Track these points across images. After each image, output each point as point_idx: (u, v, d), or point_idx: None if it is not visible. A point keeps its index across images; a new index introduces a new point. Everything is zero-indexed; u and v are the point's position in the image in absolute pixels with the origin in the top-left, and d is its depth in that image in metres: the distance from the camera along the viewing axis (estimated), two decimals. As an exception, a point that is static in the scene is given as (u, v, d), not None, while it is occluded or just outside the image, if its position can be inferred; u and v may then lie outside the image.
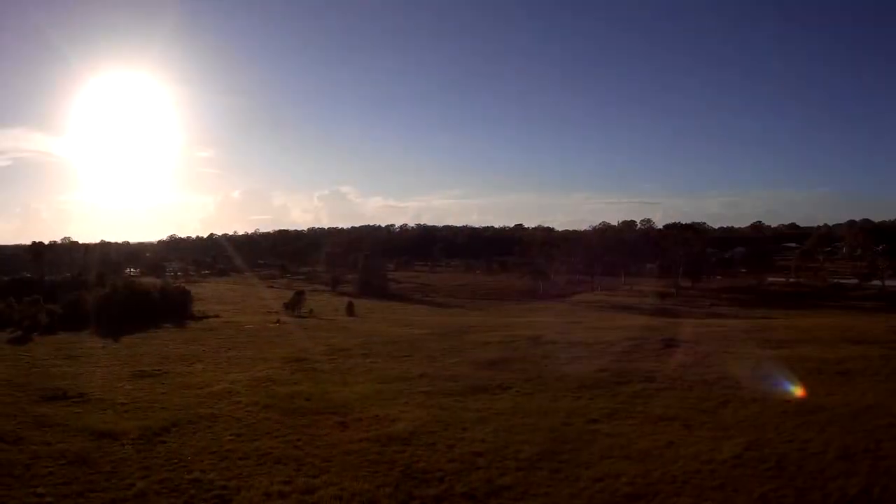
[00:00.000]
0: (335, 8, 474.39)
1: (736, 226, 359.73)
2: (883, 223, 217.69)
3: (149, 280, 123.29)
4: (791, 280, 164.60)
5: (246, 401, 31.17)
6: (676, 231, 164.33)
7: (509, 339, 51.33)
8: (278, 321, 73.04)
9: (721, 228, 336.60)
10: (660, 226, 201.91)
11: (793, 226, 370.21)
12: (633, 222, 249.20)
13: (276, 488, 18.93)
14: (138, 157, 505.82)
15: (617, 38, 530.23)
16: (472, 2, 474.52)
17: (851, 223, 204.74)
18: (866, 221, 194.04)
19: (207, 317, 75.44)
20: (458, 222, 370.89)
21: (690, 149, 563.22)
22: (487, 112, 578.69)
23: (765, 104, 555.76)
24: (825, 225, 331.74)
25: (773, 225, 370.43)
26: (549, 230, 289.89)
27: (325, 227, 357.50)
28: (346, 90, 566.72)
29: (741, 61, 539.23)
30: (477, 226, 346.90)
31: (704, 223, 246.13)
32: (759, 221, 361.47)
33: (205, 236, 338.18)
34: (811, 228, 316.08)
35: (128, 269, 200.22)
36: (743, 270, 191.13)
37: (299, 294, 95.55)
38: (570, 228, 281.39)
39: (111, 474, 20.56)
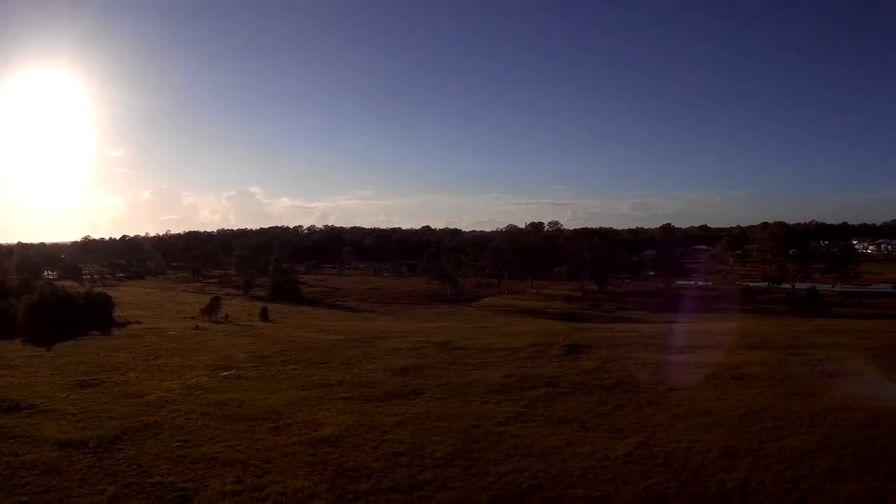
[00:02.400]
0: (244, 9, 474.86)
1: (646, 227, 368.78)
2: (798, 225, 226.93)
3: (68, 284, 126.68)
4: (700, 283, 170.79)
5: (183, 409, 33.54)
6: (584, 236, 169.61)
7: (420, 346, 54.93)
8: (197, 327, 76.36)
9: (631, 230, 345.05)
10: (568, 227, 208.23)
11: (704, 227, 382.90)
12: (540, 224, 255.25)
13: (230, 488, 21.54)
14: (49, 156, 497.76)
15: (526, 40, 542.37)
16: (375, 2, 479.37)
17: (764, 225, 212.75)
18: (779, 224, 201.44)
19: (129, 323, 78.31)
20: (365, 223, 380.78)
21: (601, 150, 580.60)
22: (395, 112, 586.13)
23: (676, 106, 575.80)
24: (738, 227, 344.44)
25: (685, 227, 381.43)
26: (457, 232, 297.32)
27: (234, 229, 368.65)
28: (255, 90, 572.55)
29: (651, 63, 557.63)
30: (385, 227, 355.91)
31: (612, 227, 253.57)
32: (670, 223, 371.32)
33: (118, 237, 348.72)
34: (723, 230, 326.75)
35: (46, 272, 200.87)
36: (651, 274, 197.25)
37: (216, 300, 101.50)
38: (478, 229, 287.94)
39: (82, 481, 22.79)
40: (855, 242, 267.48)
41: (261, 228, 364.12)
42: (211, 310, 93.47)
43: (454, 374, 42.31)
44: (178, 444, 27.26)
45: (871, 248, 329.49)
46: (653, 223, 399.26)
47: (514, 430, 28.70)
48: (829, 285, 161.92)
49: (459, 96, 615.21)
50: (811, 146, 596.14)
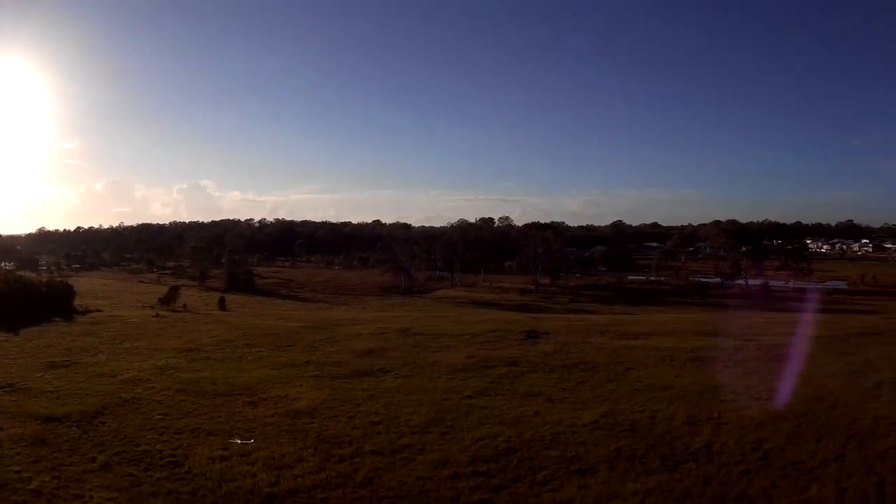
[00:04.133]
0: (197, 3, 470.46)
1: (596, 224, 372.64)
2: (750, 224, 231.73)
3: (27, 274, 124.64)
4: (651, 278, 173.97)
5: (159, 386, 34.00)
6: (536, 230, 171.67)
7: (380, 332, 55.80)
8: (158, 315, 76.75)
9: (581, 227, 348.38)
10: (518, 224, 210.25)
11: (655, 225, 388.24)
12: (491, 220, 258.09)
13: (218, 454, 22.33)
14: (2, 147, 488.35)
15: (477, 35, 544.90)
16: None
17: (716, 223, 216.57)
18: (732, 222, 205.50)
19: (90, 311, 76.87)
20: (316, 217, 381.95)
21: (551, 147, 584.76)
22: (345, 107, 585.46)
23: (626, 104, 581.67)
24: (689, 225, 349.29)
25: (635, 224, 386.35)
26: (407, 226, 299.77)
27: (186, 221, 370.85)
28: (207, 83, 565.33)
29: (603, 61, 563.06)
30: (335, 221, 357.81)
31: (564, 222, 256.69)
32: (621, 220, 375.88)
33: (72, 229, 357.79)
34: (675, 228, 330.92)
35: (2, 263, 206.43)
36: (603, 269, 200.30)
37: (174, 289, 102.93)
38: (428, 225, 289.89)
39: (72, 451, 23.20)
40: (809, 242, 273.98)
41: (213, 221, 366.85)
42: (170, 299, 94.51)
43: (417, 356, 43.47)
44: (160, 416, 27.89)
45: (825, 247, 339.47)
46: (603, 221, 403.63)
47: (483, 403, 30.03)
48: (783, 282, 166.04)
49: (407, 91, 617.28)
50: (766, 147, 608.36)
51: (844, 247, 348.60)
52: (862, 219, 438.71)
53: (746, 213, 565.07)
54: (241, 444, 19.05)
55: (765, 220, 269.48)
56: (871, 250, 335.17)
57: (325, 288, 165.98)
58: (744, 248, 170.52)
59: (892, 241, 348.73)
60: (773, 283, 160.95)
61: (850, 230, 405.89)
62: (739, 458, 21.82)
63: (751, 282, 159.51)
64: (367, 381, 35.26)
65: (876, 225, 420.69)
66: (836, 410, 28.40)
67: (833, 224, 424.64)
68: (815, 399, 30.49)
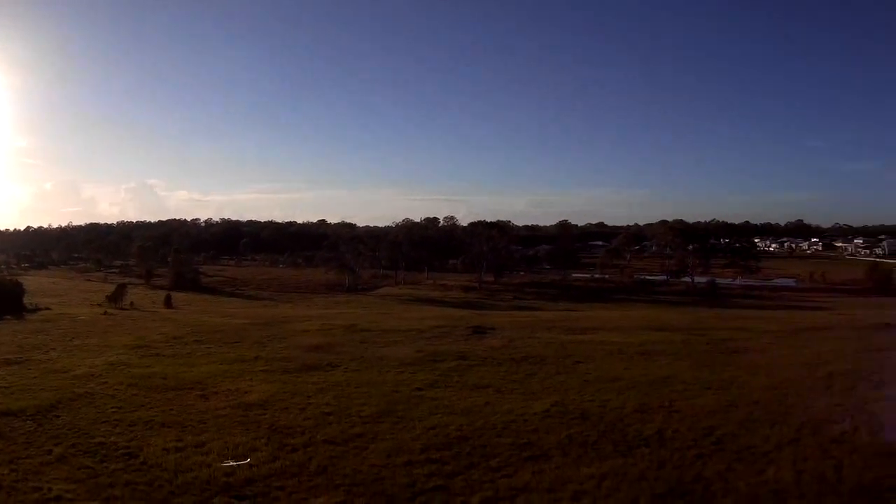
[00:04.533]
0: (146, 2, 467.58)
1: (542, 224, 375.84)
2: (698, 223, 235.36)
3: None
4: (597, 276, 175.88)
5: (111, 381, 33.79)
6: (482, 228, 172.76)
7: (326, 328, 56.53)
8: (106, 313, 78.07)
9: (527, 227, 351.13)
10: (464, 223, 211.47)
11: (601, 224, 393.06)
12: (436, 219, 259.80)
13: (172, 444, 22.16)
14: None
15: (425, 33, 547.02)
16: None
17: (663, 222, 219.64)
18: (679, 221, 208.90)
19: (40, 309, 78.73)
20: (261, 217, 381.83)
21: (497, 147, 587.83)
22: (290, 107, 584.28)
23: (573, 104, 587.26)
24: (635, 224, 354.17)
25: (581, 224, 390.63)
26: (352, 226, 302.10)
27: (134, 221, 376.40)
28: (155, 81, 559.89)
29: (550, 62, 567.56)
30: (281, 221, 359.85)
31: (510, 221, 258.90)
32: (566, 220, 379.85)
33: (22, 229, 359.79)
34: (620, 228, 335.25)
35: None
36: (547, 267, 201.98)
37: (122, 287, 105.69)
38: (373, 224, 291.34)
39: (27, 444, 22.79)
40: (757, 241, 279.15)
41: (160, 221, 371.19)
42: (117, 297, 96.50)
43: (365, 351, 43.73)
44: (113, 410, 27.71)
45: (773, 246, 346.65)
46: (549, 221, 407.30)
47: (433, 394, 30.19)
48: (730, 279, 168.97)
49: (350, 90, 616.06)
50: (717, 148, 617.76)
51: (793, 246, 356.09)
52: (813, 219, 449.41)
53: (695, 213, 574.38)
54: (237, 465, 18.83)
55: (712, 220, 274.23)
56: (820, 249, 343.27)
57: (269, 286, 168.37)
58: (691, 247, 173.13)
59: (843, 241, 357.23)
60: (720, 280, 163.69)
61: (799, 230, 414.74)
62: (692, 444, 21.97)
63: (697, 279, 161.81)
64: (317, 375, 35.33)
65: (827, 225, 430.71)
66: (788, 399, 28.83)
67: (783, 224, 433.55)
68: (766, 389, 31.02)
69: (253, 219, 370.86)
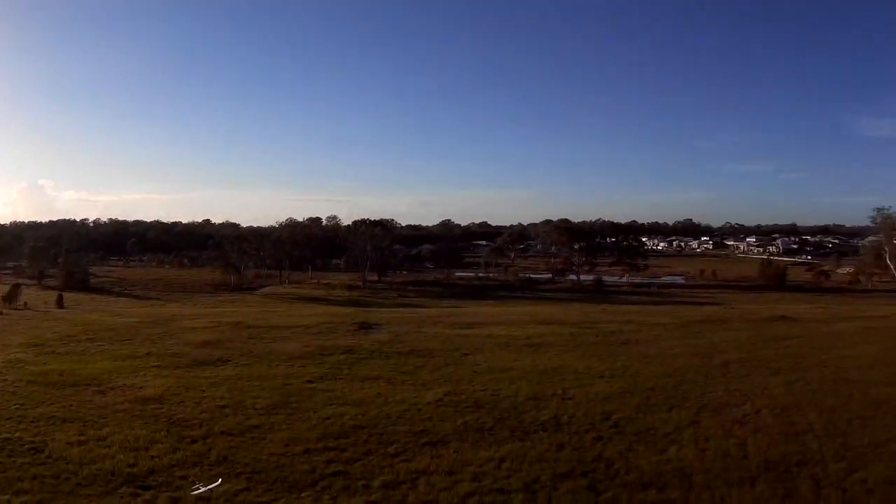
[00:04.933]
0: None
1: (425, 224, 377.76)
2: (584, 223, 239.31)
3: None
4: (480, 275, 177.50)
5: (10, 378, 32.70)
6: (365, 226, 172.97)
7: (214, 325, 56.08)
8: (1, 313, 77.46)
9: (410, 226, 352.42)
10: (347, 223, 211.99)
11: (484, 224, 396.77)
12: (319, 219, 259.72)
13: (75, 439, 21.38)
14: None
15: (312, 35, 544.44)
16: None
17: (548, 222, 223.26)
18: (564, 220, 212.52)
19: None
20: (147, 216, 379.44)
21: (379, 148, 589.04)
22: (176, 107, 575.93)
23: (455, 104, 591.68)
24: (519, 224, 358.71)
25: (464, 223, 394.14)
26: (236, 226, 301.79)
27: (26, 222, 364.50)
28: (46, 80, 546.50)
29: (427, 62, 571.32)
30: (166, 221, 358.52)
31: (393, 220, 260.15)
32: (449, 220, 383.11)
33: None
34: (504, 227, 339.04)
35: None
36: (430, 266, 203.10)
37: (16, 287, 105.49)
38: (256, 224, 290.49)
39: None
40: (645, 240, 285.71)
41: (50, 221, 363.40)
42: (11, 297, 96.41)
43: (254, 346, 43.50)
44: (15, 406, 26.80)
45: (661, 245, 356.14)
46: (432, 220, 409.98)
47: (325, 387, 30.02)
48: (617, 277, 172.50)
49: (232, 91, 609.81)
50: (606, 148, 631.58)
51: (682, 244, 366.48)
52: (704, 219, 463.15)
53: (581, 212, 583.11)
54: (208, 489, 18.15)
55: (598, 220, 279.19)
56: (710, 248, 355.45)
57: (156, 286, 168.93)
58: (577, 245, 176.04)
59: (734, 240, 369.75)
60: (607, 278, 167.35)
61: (688, 229, 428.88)
62: (590, 427, 22.13)
63: (584, 277, 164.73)
64: (209, 370, 35.03)
65: (717, 224, 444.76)
66: (685, 385, 29.54)
67: (671, 223, 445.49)
68: (661, 376, 31.68)
69: (140, 219, 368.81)
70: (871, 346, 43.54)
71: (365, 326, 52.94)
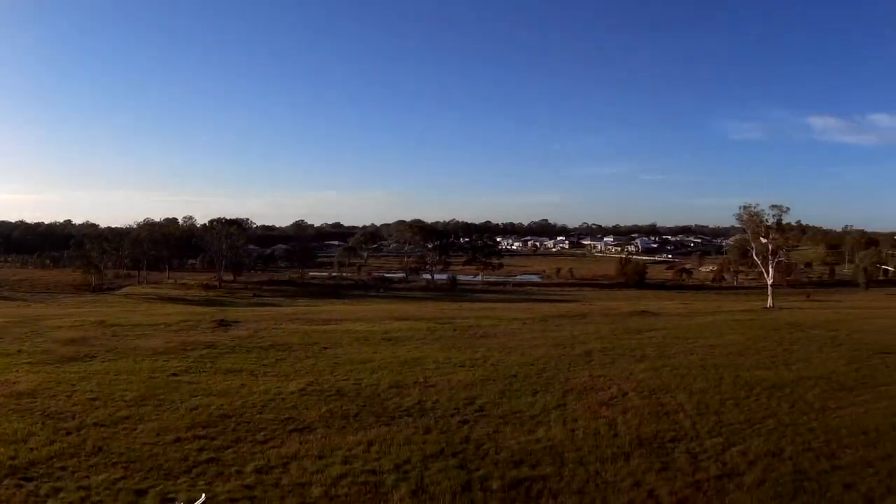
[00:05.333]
0: None
1: (279, 224, 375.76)
2: (437, 223, 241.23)
3: None
4: (334, 274, 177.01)
5: None
6: (221, 225, 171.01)
7: (79, 324, 54.96)
8: None
9: (263, 227, 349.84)
10: (204, 223, 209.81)
11: (337, 224, 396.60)
12: (175, 219, 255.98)
13: None
14: None
15: (173, 34, 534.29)
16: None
17: (401, 222, 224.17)
18: (417, 220, 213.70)
19: None
20: (12, 217, 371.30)
21: (235, 149, 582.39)
22: (40, 106, 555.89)
23: (304, 105, 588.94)
24: (372, 224, 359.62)
25: (317, 224, 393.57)
26: (96, 226, 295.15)
27: None
28: None
29: (276, 63, 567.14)
30: (31, 221, 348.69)
31: (248, 219, 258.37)
32: (302, 220, 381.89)
33: None
34: (357, 227, 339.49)
35: None
36: (284, 266, 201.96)
37: None
38: (114, 225, 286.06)
39: None
40: (500, 239, 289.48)
41: None
42: None
43: (118, 343, 42.90)
44: None
45: (517, 244, 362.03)
46: (285, 221, 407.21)
47: (189, 379, 29.80)
48: (471, 276, 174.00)
49: (87, 92, 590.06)
50: (463, 150, 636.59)
51: (538, 244, 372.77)
52: (560, 219, 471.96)
53: (435, 213, 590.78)
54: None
55: (452, 220, 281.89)
56: (567, 247, 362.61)
57: (21, 286, 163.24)
58: (431, 245, 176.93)
59: (591, 239, 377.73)
60: (462, 277, 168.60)
61: (544, 229, 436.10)
62: (455, 412, 22.23)
63: (438, 276, 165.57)
64: (77, 366, 34.35)
65: (573, 224, 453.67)
66: (547, 372, 30.05)
67: (526, 223, 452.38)
68: (522, 364, 32.14)
69: (5, 219, 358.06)
70: (738, 335, 45.50)
71: (224, 323, 52.88)
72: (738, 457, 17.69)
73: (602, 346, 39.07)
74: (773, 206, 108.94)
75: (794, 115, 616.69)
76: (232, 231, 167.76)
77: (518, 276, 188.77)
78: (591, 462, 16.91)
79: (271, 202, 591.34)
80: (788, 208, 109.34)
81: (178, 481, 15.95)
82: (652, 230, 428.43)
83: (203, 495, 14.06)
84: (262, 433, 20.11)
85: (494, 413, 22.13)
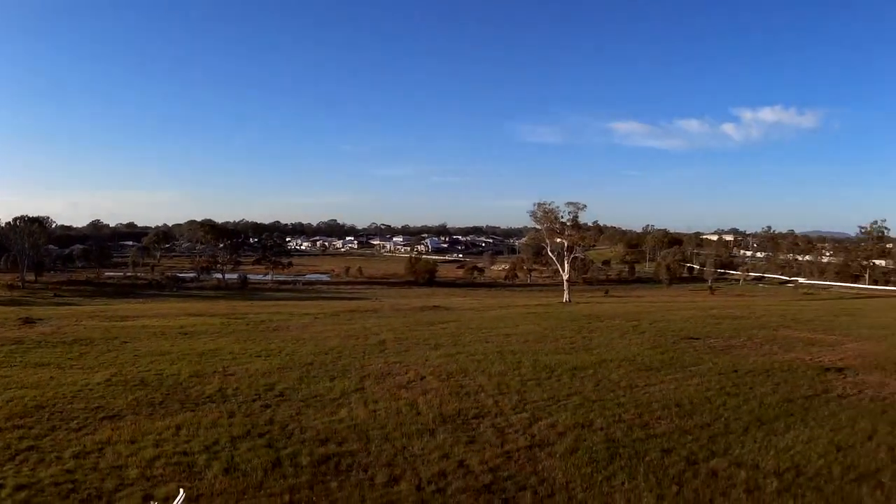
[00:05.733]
0: None
1: (76, 224, 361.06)
2: (227, 223, 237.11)
3: None
4: (129, 273, 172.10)
5: None
6: (24, 224, 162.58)
7: None
8: None
9: (61, 226, 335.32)
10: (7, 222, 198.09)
11: (131, 225, 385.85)
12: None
13: None
14: None
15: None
16: None
17: (192, 222, 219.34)
18: (208, 220, 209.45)
19: None
20: None
21: (28, 149, 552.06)
22: None
23: (98, 106, 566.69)
24: (164, 224, 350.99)
25: (113, 224, 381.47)
26: None
27: None
28: None
29: (80, 59, 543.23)
30: None
31: (49, 217, 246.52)
32: (98, 220, 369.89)
33: None
34: (150, 228, 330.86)
35: None
36: (81, 266, 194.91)
37: None
38: None
39: None
40: (289, 239, 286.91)
41: None
42: None
43: None
44: None
45: (306, 244, 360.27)
46: (82, 221, 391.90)
47: (1, 373, 27.59)
48: (261, 275, 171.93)
49: None
50: (248, 151, 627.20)
51: (327, 244, 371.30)
52: (349, 219, 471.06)
53: (227, 213, 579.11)
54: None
55: (242, 220, 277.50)
56: (356, 247, 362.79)
57: None
58: (221, 244, 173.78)
59: (381, 239, 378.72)
60: (252, 276, 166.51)
61: (333, 229, 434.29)
62: (257, 397, 21.79)
63: (229, 276, 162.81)
64: None
65: (363, 224, 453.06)
66: (343, 360, 29.77)
67: (315, 224, 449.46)
68: (318, 354, 31.80)
69: None
70: (535, 326, 46.56)
71: (29, 321, 50.57)
72: (547, 429, 17.85)
73: (395, 336, 39.12)
74: (570, 203, 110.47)
75: (596, 119, 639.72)
76: (34, 230, 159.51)
77: (308, 276, 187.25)
78: (396, 438, 16.70)
79: (67, 202, 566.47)
80: (585, 206, 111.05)
81: (4, 468, 14.99)
82: (442, 230, 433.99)
83: (182, 492, 13.00)
84: (75, 421, 19.07)
85: (295, 398, 21.71)
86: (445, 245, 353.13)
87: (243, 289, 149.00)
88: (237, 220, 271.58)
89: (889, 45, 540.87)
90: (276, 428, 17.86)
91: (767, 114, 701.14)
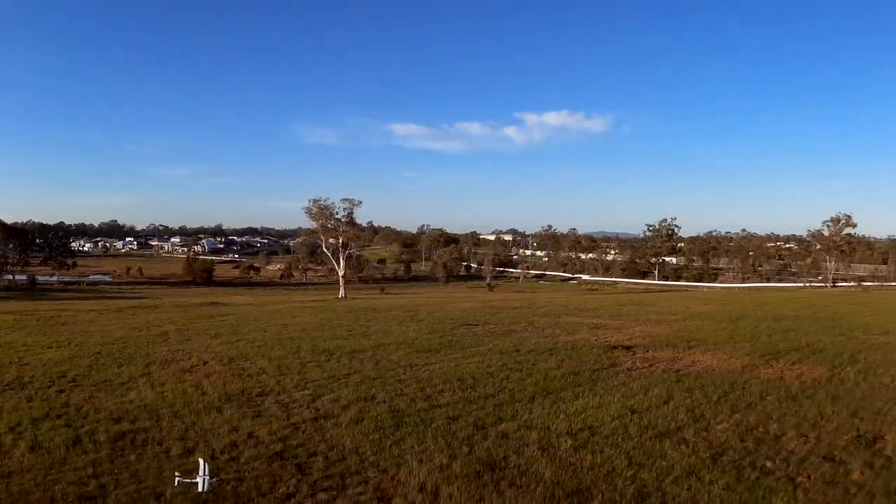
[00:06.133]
0: None
1: None
2: (16, 223, 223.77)
3: None
4: None
5: None
6: None
7: None
8: None
9: None
10: None
11: None
12: None
13: None
14: None
15: None
16: None
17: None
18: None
19: None
20: None
21: None
22: None
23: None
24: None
25: None
26: None
27: None
28: None
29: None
30: None
31: None
32: None
33: None
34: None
35: None
36: None
37: None
38: None
39: None
40: (72, 240, 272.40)
41: None
42: None
43: None
44: None
45: (88, 245, 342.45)
46: None
47: None
48: (48, 276, 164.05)
49: None
50: (31, 148, 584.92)
51: (108, 245, 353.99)
52: (129, 220, 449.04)
53: (15, 213, 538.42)
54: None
55: (29, 220, 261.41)
56: (135, 248, 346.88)
57: None
58: (11, 245, 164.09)
59: (159, 240, 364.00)
60: (39, 276, 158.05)
61: (114, 230, 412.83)
62: (51, 383, 21.24)
63: (18, 277, 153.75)
64: None
65: (142, 225, 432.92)
66: (129, 349, 29.25)
67: (97, 224, 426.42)
68: (105, 344, 31.10)
69: None
70: (311, 317, 46.70)
71: None
72: (330, 403, 18.29)
73: (177, 328, 38.59)
74: (345, 200, 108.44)
75: (375, 120, 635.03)
76: None
77: (91, 276, 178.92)
78: (186, 415, 16.85)
79: None
80: (360, 202, 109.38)
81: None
82: (218, 231, 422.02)
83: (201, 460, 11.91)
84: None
85: (86, 383, 21.30)
86: (222, 246, 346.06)
87: (32, 289, 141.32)
88: (25, 221, 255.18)
89: (677, 53, 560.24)
90: (72, 410, 17.59)
91: (552, 118, 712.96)
